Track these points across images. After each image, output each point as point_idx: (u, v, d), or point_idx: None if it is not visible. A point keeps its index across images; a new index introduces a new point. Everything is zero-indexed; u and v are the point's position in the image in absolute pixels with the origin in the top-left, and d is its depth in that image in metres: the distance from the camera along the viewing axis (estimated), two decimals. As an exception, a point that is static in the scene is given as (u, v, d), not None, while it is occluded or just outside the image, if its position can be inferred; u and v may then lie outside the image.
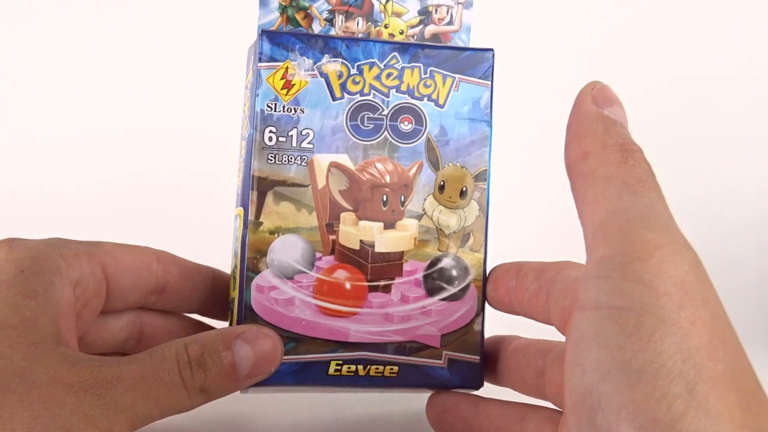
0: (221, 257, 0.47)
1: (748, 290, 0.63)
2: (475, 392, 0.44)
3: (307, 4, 0.46)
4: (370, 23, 0.47)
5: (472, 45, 0.48)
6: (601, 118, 0.35)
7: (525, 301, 0.42)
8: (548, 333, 0.42)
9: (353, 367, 0.42)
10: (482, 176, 0.44)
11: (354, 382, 0.42)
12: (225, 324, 0.44)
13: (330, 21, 0.46)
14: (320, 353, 0.42)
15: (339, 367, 0.42)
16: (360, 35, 0.46)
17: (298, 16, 0.46)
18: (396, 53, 0.43)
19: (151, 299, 0.44)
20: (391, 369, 0.43)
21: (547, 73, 0.77)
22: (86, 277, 0.40)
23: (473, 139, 0.44)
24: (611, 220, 0.32)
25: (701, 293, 0.30)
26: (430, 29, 0.47)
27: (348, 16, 0.47)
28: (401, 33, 0.47)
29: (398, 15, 0.47)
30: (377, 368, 0.42)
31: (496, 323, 0.45)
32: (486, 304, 0.44)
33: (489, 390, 0.43)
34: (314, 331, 0.42)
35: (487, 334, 0.45)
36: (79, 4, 0.72)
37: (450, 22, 0.48)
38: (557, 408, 0.41)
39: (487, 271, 0.45)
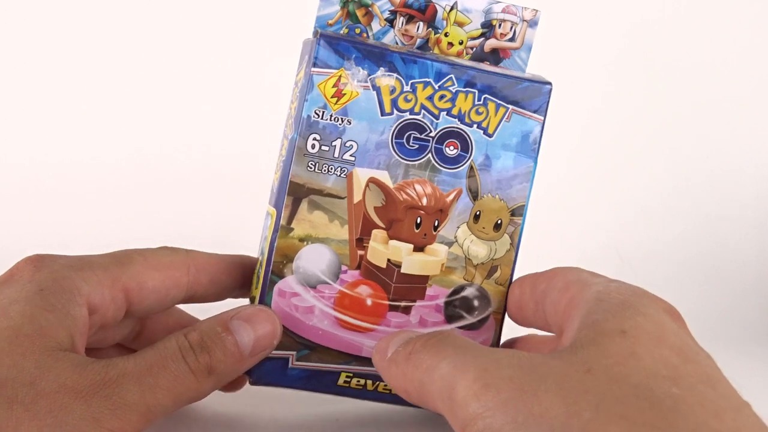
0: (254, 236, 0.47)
1: (748, 290, 0.63)
2: None
3: (369, 2, 0.45)
4: (430, 29, 0.46)
5: (530, 64, 0.46)
6: None
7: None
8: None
9: (362, 381, 0.43)
10: (519, 211, 0.43)
11: (361, 395, 0.43)
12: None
13: (390, 22, 0.45)
14: (332, 364, 0.43)
15: (348, 380, 0.43)
16: (418, 40, 0.46)
17: (359, 13, 0.45)
18: (452, 76, 0.42)
19: (177, 304, 0.44)
20: (399, 388, 0.43)
21: (599, 102, 0.76)
22: (106, 304, 0.40)
23: (516, 173, 0.43)
24: None
25: None
26: (491, 43, 0.46)
27: (409, 19, 0.46)
28: (461, 43, 0.46)
29: (460, 25, 0.46)
30: (386, 385, 0.43)
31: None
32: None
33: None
34: (329, 342, 0.42)
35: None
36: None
37: (512, 39, 0.46)
38: None
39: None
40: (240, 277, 0.45)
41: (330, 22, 0.45)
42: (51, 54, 0.75)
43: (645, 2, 0.79)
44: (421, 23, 0.46)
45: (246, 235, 0.49)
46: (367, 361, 0.43)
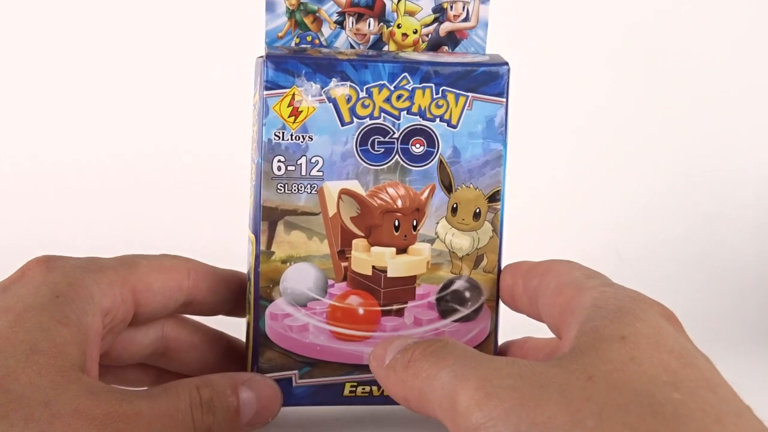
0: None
1: (748, 290, 0.62)
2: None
3: (315, 7, 0.45)
4: (382, 24, 0.45)
5: (489, 41, 0.46)
6: None
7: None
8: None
9: (368, 388, 0.43)
10: (496, 196, 0.43)
11: (368, 401, 0.44)
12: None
13: (340, 23, 0.45)
14: (335, 376, 0.43)
15: (354, 389, 0.43)
16: (371, 37, 0.45)
17: (307, 20, 0.45)
18: (406, 74, 0.42)
19: (176, 311, 0.45)
20: (405, 389, 0.43)
21: (599, 101, 0.75)
22: (117, 306, 0.41)
23: (487, 159, 0.43)
24: None
25: None
26: (446, 26, 0.45)
27: (359, 17, 0.45)
28: (414, 32, 0.45)
29: (411, 14, 0.45)
30: (391, 388, 0.43)
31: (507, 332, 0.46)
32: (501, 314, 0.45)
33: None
34: (329, 356, 0.43)
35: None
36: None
37: (466, 18, 0.45)
38: None
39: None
40: (235, 291, 0.46)
41: (279, 34, 0.45)
42: (55, 56, 0.76)
43: (645, 2, 0.77)
44: (372, 19, 0.45)
45: (240, 246, 0.49)
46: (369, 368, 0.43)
